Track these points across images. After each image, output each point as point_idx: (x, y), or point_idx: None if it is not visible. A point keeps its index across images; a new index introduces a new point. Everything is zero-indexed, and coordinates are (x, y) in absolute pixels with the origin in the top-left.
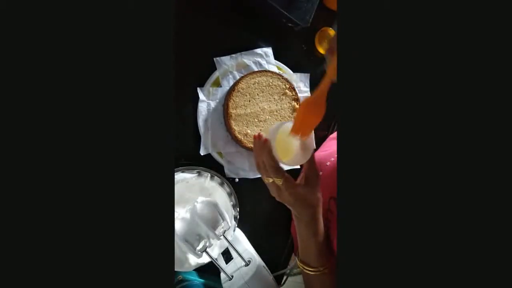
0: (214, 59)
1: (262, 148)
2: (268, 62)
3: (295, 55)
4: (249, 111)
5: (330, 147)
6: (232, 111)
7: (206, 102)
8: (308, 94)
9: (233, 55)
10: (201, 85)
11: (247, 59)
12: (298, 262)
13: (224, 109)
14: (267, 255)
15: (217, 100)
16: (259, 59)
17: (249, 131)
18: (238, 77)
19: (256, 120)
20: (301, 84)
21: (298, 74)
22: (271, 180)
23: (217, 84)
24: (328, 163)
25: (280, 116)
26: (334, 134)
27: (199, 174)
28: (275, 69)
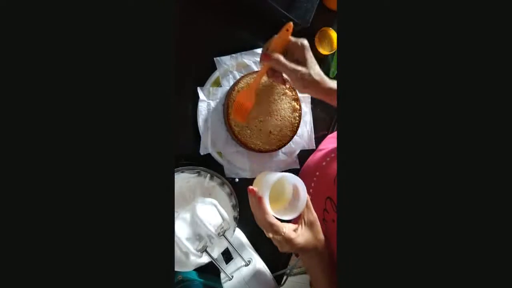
0: (215, 59)
1: (258, 207)
2: None
3: None
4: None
5: (326, 146)
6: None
7: (206, 102)
8: (307, 94)
9: (233, 55)
10: (201, 85)
11: (247, 59)
12: None
13: (225, 109)
14: (267, 255)
15: (217, 100)
16: (258, 59)
17: (249, 131)
18: (238, 77)
19: (257, 121)
20: None
21: None
22: (271, 235)
23: (217, 84)
24: (324, 163)
25: (280, 116)
26: (332, 134)
27: (199, 174)
28: None
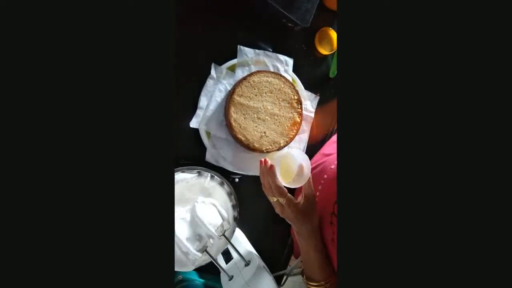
0: (238, 46)
1: (268, 172)
2: (286, 71)
3: (295, 55)
4: (252, 104)
5: (334, 150)
6: (236, 97)
7: (216, 80)
8: (312, 115)
9: (257, 50)
10: (201, 84)
11: (268, 60)
12: (303, 279)
13: (229, 94)
14: (267, 255)
15: (226, 83)
16: (278, 65)
17: (244, 125)
18: (253, 70)
19: (255, 116)
20: (308, 103)
21: (309, 93)
22: (275, 199)
23: (232, 69)
24: (332, 167)
25: (279, 122)
26: (334, 137)
27: (199, 174)
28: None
